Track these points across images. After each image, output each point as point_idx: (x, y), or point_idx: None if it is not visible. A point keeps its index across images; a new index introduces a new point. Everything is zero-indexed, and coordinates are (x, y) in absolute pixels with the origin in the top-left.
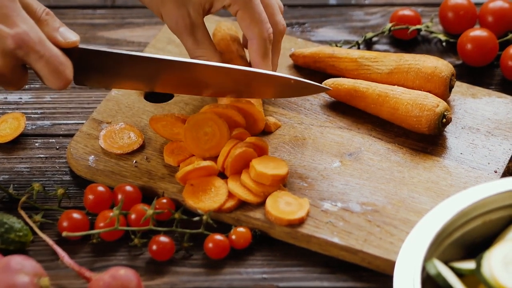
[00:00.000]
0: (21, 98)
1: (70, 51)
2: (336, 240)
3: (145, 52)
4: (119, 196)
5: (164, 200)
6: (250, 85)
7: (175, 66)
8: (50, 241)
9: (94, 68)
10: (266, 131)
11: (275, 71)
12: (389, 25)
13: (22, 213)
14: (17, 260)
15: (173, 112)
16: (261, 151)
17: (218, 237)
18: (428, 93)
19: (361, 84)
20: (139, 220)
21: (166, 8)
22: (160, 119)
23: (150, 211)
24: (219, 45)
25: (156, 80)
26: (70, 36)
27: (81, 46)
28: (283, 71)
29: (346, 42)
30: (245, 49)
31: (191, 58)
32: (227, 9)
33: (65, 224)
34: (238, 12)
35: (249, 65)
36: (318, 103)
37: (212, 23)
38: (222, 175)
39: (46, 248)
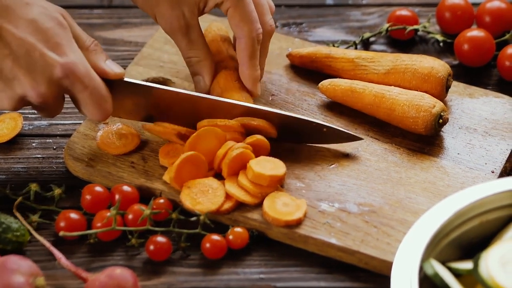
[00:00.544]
0: None
1: (110, 83)
2: (333, 241)
3: (144, 53)
4: (117, 196)
5: (162, 200)
6: (276, 128)
7: (213, 105)
8: (47, 243)
9: (132, 101)
10: None
11: (262, 72)
12: (386, 25)
13: (18, 215)
14: (13, 260)
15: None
16: (261, 151)
17: (215, 237)
18: (424, 93)
19: (358, 85)
20: (136, 220)
21: (160, 9)
22: (152, 129)
23: (147, 211)
24: (210, 46)
25: (195, 117)
26: (116, 68)
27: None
28: (280, 71)
29: (343, 42)
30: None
31: (184, 58)
32: (219, 7)
33: (62, 224)
34: (229, 10)
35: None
36: (315, 104)
37: (205, 22)
38: (220, 176)
39: (43, 248)
